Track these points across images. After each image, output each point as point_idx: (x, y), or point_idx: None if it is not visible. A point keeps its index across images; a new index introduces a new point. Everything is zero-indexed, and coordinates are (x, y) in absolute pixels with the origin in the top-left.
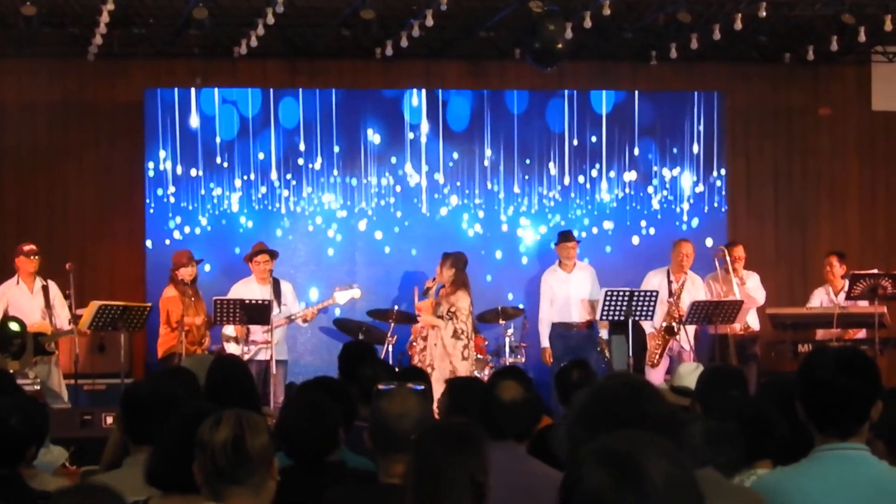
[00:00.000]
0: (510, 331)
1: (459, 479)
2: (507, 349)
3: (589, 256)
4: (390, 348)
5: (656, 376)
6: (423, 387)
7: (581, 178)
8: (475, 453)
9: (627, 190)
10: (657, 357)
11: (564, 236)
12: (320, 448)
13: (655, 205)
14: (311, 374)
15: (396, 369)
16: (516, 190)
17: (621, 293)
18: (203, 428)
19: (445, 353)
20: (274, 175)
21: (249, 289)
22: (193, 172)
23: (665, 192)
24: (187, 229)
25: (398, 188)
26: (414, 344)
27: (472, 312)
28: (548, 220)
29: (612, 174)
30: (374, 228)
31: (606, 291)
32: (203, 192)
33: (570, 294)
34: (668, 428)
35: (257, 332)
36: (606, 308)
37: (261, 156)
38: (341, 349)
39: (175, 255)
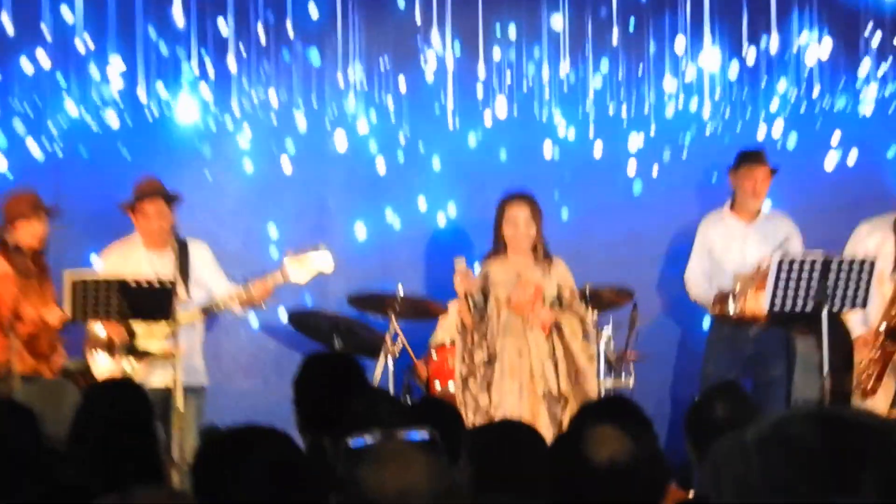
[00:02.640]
0: (606, 330)
1: None
2: (602, 362)
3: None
4: (390, 363)
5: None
6: (429, 436)
7: None
8: None
9: None
10: (872, 379)
11: (750, 157)
12: None
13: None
14: (246, 411)
15: (407, 401)
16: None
17: (806, 263)
18: None
19: (566, 366)
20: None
21: (133, 258)
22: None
23: None
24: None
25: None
26: (433, 356)
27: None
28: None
29: None
30: (360, 146)
31: (779, 257)
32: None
33: (747, 260)
34: None
35: (150, 335)
36: (779, 289)
37: None
38: (300, 366)
39: (7, 200)
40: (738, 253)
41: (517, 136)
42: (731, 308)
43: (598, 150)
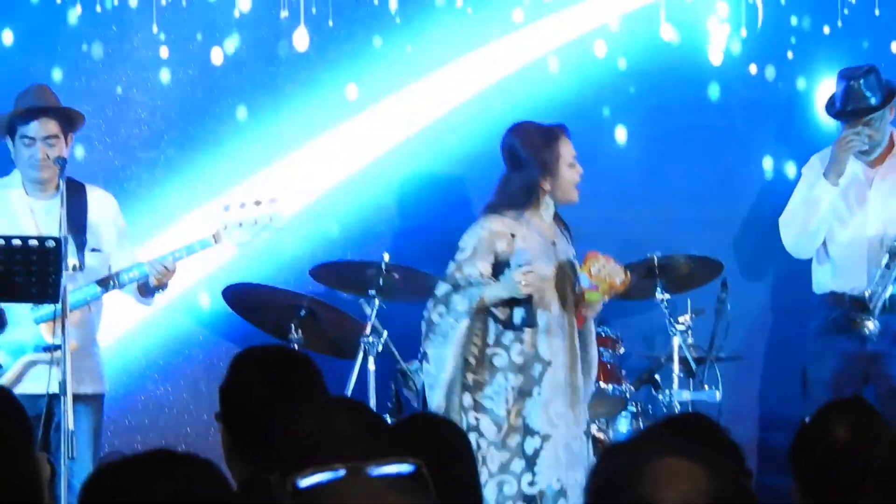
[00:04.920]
0: (685, 319)
1: None
2: (675, 366)
3: None
4: (371, 364)
5: None
6: (412, 470)
7: None
8: None
9: None
10: None
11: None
12: None
13: None
14: (161, 431)
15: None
16: None
17: None
18: None
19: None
20: None
21: (4, 210)
22: None
23: None
24: None
25: None
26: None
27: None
28: None
29: None
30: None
31: None
32: None
33: (868, 222)
34: None
35: (25, 321)
36: None
37: None
38: (229, 366)
39: None
40: (860, 213)
41: None
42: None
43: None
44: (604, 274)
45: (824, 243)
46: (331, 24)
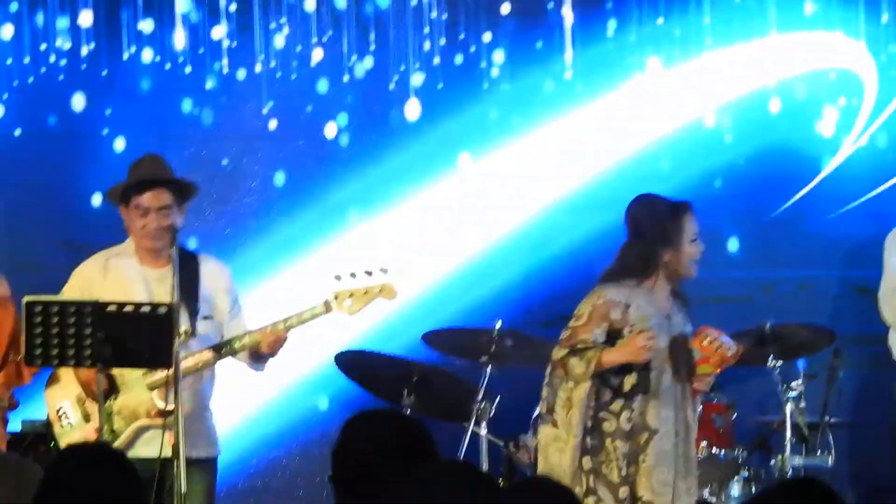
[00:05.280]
0: (796, 385)
1: None
2: (789, 431)
3: None
4: (483, 430)
5: None
6: None
7: None
8: None
9: None
10: None
11: None
12: None
13: None
14: (276, 493)
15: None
16: None
17: None
18: None
19: None
20: None
21: (118, 278)
22: None
23: None
24: None
25: None
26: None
27: None
28: None
29: None
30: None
31: None
32: None
33: None
34: None
35: (138, 385)
36: None
37: None
38: (341, 429)
39: None
40: None
41: None
42: None
43: None
44: (715, 346)
45: None
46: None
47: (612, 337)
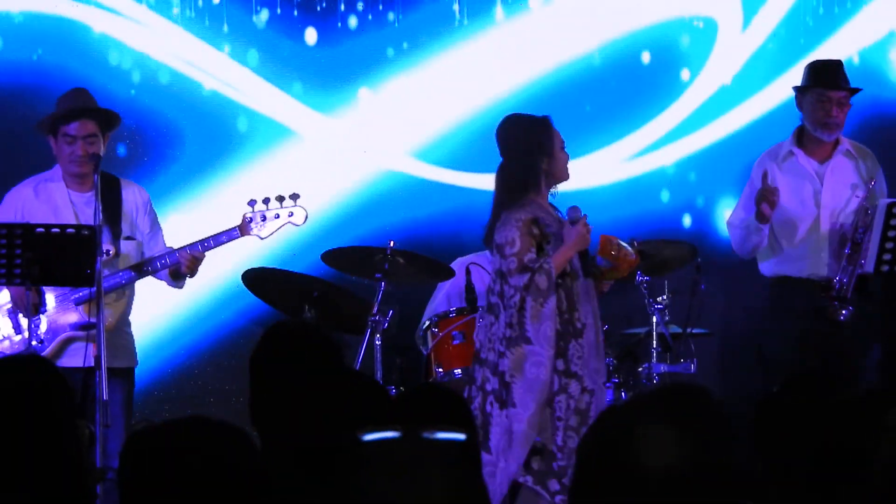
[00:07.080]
0: (663, 299)
1: None
2: (655, 340)
3: None
4: (377, 340)
5: None
6: (464, 436)
7: None
8: None
9: None
10: None
11: (825, 73)
12: None
13: None
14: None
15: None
16: None
17: None
18: None
19: None
20: None
21: (48, 201)
22: None
23: None
24: None
25: None
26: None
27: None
28: None
29: None
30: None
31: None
32: None
33: (822, 211)
34: None
35: (64, 303)
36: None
37: None
38: (259, 339)
39: None
40: (809, 201)
41: None
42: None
43: None
44: (623, 254)
45: (776, 235)
46: (339, 25)
47: (537, 252)
